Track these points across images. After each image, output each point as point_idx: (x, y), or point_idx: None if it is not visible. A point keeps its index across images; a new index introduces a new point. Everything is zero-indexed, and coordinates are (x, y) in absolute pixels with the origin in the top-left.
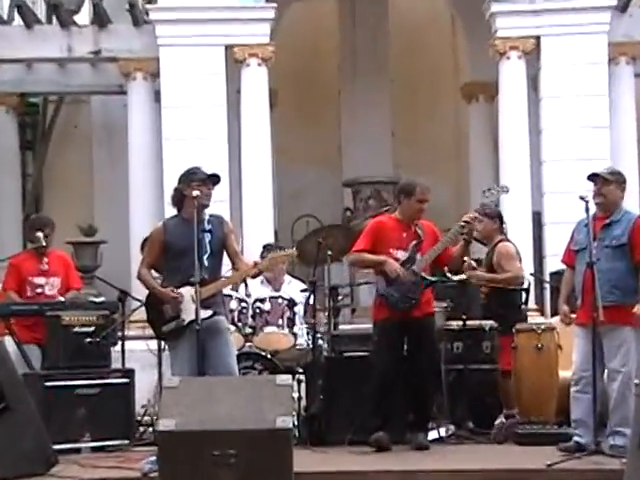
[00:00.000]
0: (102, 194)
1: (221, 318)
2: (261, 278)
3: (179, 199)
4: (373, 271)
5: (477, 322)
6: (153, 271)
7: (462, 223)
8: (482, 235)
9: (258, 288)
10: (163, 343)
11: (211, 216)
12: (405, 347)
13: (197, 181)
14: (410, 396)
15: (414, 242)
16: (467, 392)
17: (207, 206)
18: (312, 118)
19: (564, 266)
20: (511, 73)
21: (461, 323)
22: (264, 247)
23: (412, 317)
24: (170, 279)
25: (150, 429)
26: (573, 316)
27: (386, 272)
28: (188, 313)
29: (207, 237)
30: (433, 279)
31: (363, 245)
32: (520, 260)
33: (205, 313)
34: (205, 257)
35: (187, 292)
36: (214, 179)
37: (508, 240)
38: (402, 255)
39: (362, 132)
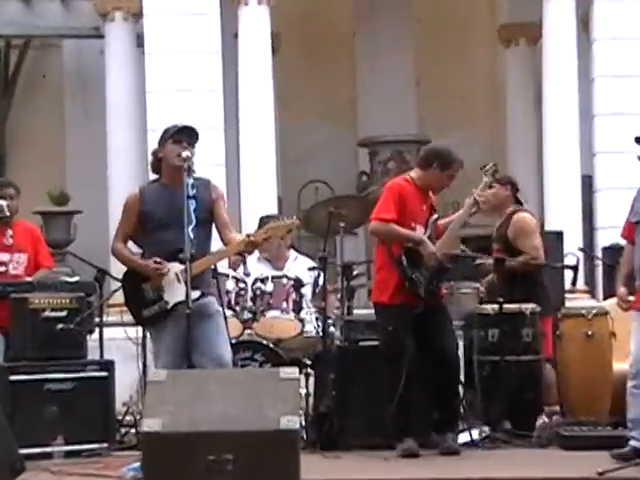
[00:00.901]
0: (76, 155)
1: (210, 300)
2: (257, 254)
3: (155, 164)
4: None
5: (516, 305)
6: (134, 245)
7: (476, 196)
8: (493, 204)
9: (255, 265)
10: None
11: (196, 179)
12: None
13: (168, 139)
14: (434, 391)
15: (433, 218)
16: (504, 387)
17: (187, 169)
18: (322, 65)
19: (621, 240)
20: (558, 11)
21: (497, 307)
22: (261, 220)
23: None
24: (151, 255)
25: (133, 430)
26: (632, 299)
27: (418, 252)
28: (172, 294)
29: (192, 204)
30: (449, 266)
31: (392, 214)
32: (540, 233)
33: (192, 294)
34: (190, 228)
35: (171, 270)
36: (188, 133)
37: (524, 210)
38: (422, 232)
39: (381, 81)
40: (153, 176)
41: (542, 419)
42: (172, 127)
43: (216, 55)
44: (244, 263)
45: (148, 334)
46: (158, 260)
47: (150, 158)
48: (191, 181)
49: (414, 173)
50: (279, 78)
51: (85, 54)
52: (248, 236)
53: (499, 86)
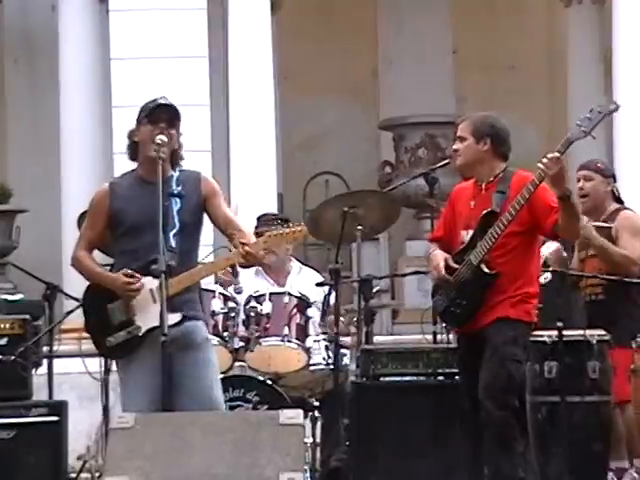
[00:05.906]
0: (19, 139)
1: (196, 325)
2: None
3: (132, 149)
4: None
5: (579, 332)
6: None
7: (539, 172)
8: (591, 200)
9: (252, 280)
10: (110, 362)
11: (182, 172)
12: None
13: (144, 118)
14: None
15: (483, 212)
16: (564, 436)
17: (161, 158)
18: (334, 28)
19: None
20: None
21: (555, 334)
22: (259, 219)
23: (477, 328)
24: (122, 267)
25: None
26: None
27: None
28: (146, 317)
29: (175, 204)
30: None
31: (436, 230)
32: None
33: (172, 318)
34: (172, 234)
35: (145, 286)
36: (168, 111)
37: (629, 209)
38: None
39: (409, 49)
40: (120, 165)
41: (631, 475)
42: (150, 102)
43: (200, 13)
44: (235, 276)
45: (113, 367)
46: (129, 273)
47: (127, 141)
48: (176, 174)
49: None
50: (281, 43)
51: (32, 10)
52: (243, 245)
53: (558, 54)
